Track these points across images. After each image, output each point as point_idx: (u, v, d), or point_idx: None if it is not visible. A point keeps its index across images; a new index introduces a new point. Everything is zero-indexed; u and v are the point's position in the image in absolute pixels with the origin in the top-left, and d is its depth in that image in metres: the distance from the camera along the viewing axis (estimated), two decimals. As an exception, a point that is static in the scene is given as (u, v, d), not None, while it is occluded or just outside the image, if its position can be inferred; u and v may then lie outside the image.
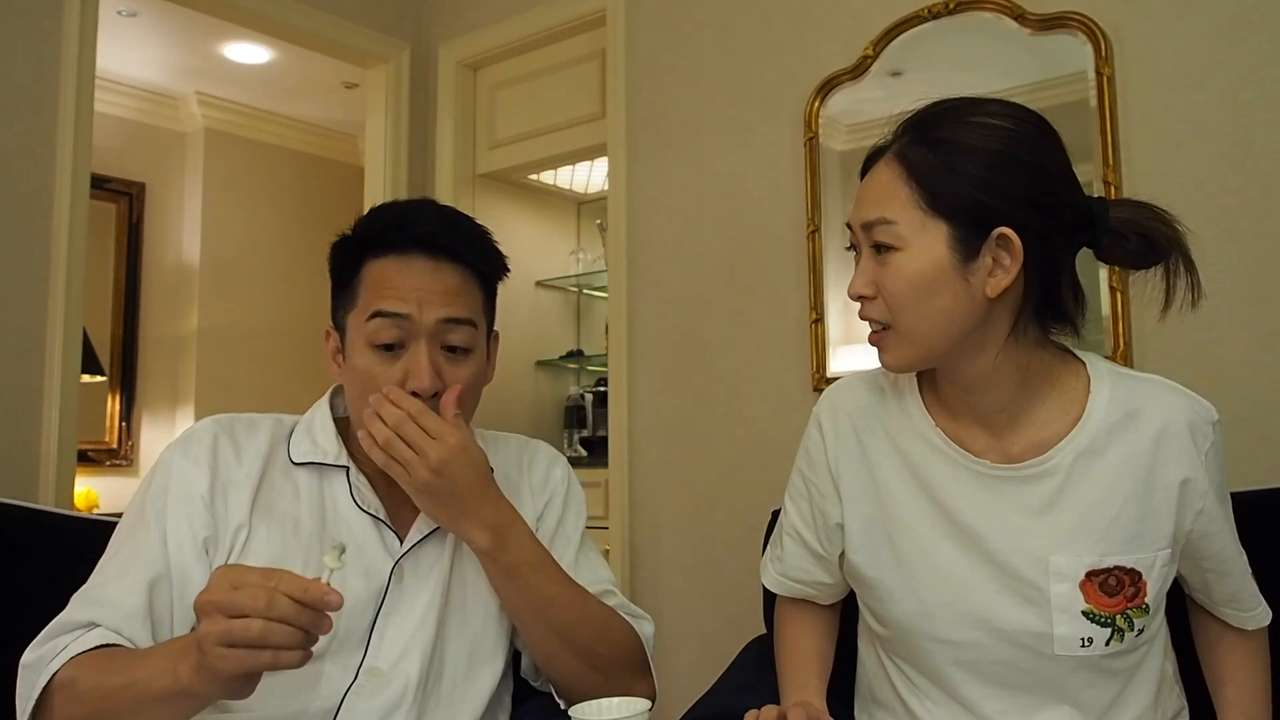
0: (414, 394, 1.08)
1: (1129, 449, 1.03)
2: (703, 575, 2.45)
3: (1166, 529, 1.03)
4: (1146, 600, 1.02)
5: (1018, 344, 1.03)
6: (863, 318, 1.05)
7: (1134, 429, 1.03)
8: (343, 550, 0.86)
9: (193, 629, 0.91)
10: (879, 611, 1.13)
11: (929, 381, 1.13)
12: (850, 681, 1.26)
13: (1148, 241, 1.02)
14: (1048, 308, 1.03)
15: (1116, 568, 1.02)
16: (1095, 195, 1.05)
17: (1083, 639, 1.01)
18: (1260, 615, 1.12)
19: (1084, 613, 1.01)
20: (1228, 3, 1.83)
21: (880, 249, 1.01)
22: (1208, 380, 1.78)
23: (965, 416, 1.08)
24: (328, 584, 0.82)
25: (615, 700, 0.97)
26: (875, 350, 1.06)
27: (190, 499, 1.07)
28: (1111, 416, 1.04)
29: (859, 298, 1.04)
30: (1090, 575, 1.02)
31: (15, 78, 2.30)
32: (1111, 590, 1.02)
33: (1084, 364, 1.08)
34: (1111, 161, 1.91)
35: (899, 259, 0.99)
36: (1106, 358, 1.14)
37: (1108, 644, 1.01)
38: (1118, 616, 1.01)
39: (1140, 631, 1.03)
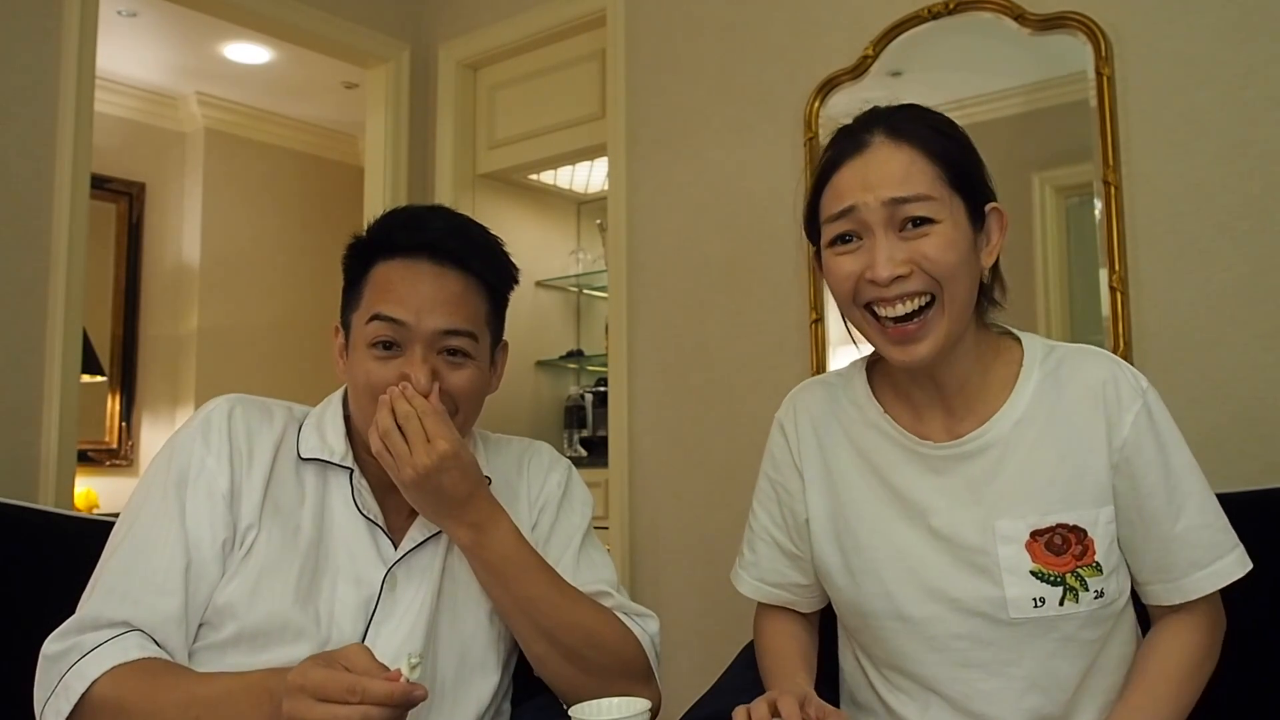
0: None
1: (1057, 411, 1.08)
2: (703, 575, 2.44)
3: (1106, 485, 1.07)
4: (1096, 558, 1.05)
5: (976, 322, 1.11)
6: (895, 299, 1.03)
7: (1061, 392, 1.09)
8: (419, 661, 0.89)
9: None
10: (847, 600, 1.16)
11: (880, 372, 1.18)
12: (834, 691, 1.27)
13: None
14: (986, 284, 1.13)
15: (1060, 525, 1.05)
16: None
17: (1035, 599, 1.04)
18: (1191, 586, 1.05)
19: (1033, 572, 1.04)
20: (1228, 3, 1.83)
21: (917, 223, 1.03)
22: (1208, 380, 1.79)
23: (916, 401, 1.13)
24: (408, 679, 0.86)
25: (615, 700, 0.97)
26: (904, 344, 1.05)
27: (213, 497, 1.08)
28: (1042, 384, 1.10)
29: (893, 279, 1.02)
30: (1035, 535, 1.05)
31: (15, 78, 2.30)
32: (1058, 549, 1.05)
33: (1019, 340, 1.15)
34: (1111, 161, 1.91)
35: (941, 230, 1.03)
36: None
37: (1061, 604, 1.04)
38: (1068, 575, 1.04)
39: (1099, 595, 1.04)
